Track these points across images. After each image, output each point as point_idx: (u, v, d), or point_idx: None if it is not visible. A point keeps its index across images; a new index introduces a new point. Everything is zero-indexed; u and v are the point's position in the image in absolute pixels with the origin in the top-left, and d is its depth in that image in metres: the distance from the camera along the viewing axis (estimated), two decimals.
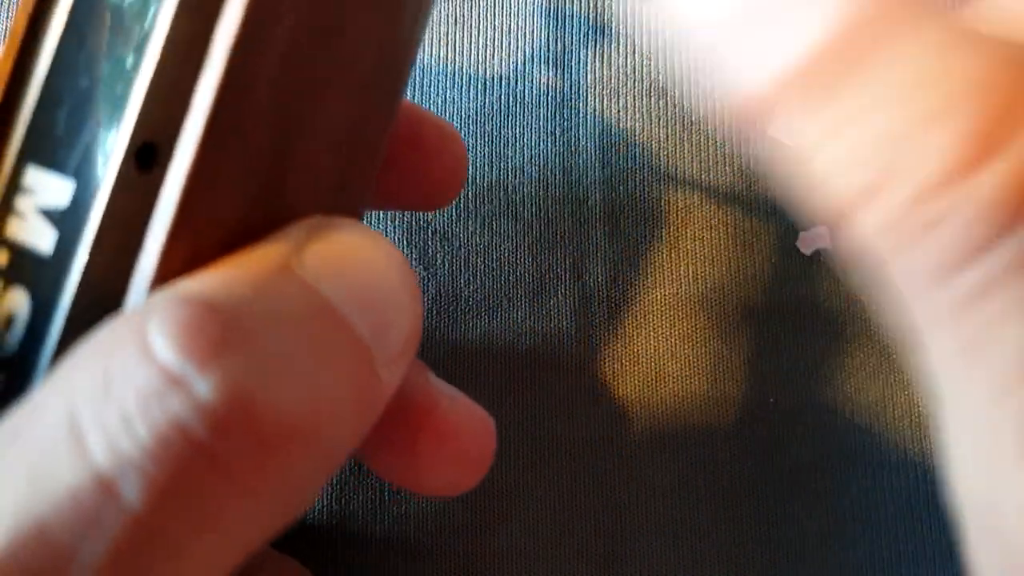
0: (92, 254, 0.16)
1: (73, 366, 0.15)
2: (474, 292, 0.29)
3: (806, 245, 0.29)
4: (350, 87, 0.18)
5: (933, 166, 0.13)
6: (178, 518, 0.14)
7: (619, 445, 0.29)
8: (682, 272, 0.29)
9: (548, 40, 0.30)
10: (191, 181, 0.15)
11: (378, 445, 0.21)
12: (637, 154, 0.30)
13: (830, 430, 0.29)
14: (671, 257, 0.29)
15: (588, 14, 0.30)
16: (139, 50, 0.16)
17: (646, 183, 0.30)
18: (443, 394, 0.21)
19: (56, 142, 0.16)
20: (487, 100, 0.30)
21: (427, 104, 0.30)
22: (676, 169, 0.30)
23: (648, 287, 0.29)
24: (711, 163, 0.29)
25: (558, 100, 0.30)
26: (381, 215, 0.30)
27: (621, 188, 0.30)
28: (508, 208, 0.30)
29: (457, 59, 0.30)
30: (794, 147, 0.14)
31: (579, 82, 0.30)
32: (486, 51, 0.30)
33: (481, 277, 0.29)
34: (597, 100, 0.30)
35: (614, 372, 0.29)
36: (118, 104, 0.16)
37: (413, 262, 0.29)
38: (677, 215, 0.30)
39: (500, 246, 0.29)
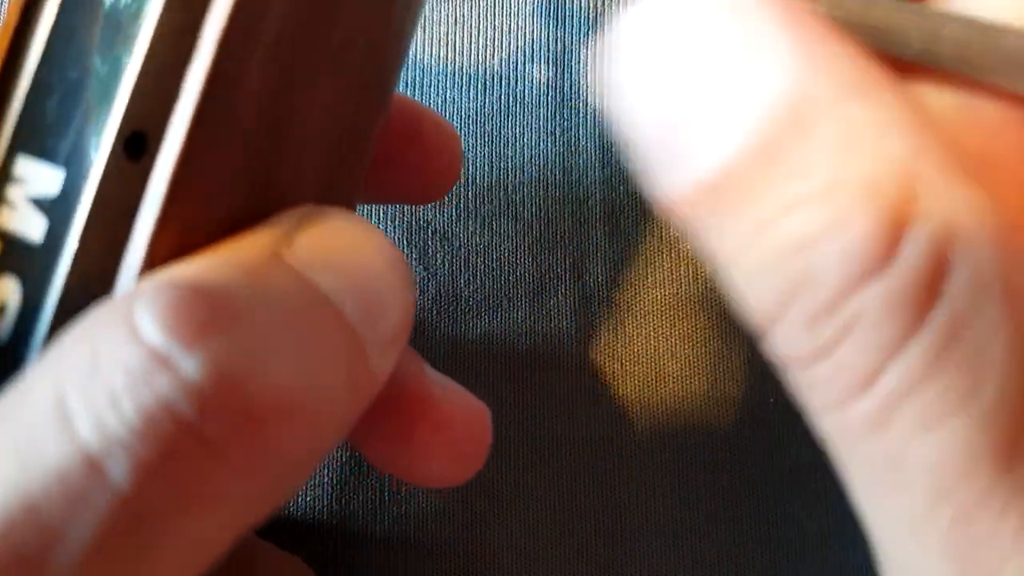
0: (82, 242, 0.16)
1: (61, 349, 0.15)
2: (474, 292, 0.29)
3: None
4: (341, 77, 0.18)
5: (838, 271, 0.13)
6: (165, 496, 0.14)
7: (619, 445, 0.29)
8: (682, 272, 0.29)
9: (548, 40, 0.30)
10: (180, 170, 0.16)
11: (373, 433, 0.21)
12: None
13: None
14: (671, 257, 0.29)
15: (588, 14, 0.30)
16: (129, 41, 0.16)
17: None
18: (437, 384, 0.21)
19: (46, 132, 0.16)
20: (487, 100, 0.30)
21: (427, 104, 0.30)
22: None
23: (648, 287, 0.29)
24: None
25: (558, 100, 0.30)
26: (381, 215, 0.30)
27: (621, 188, 0.30)
28: (508, 208, 0.30)
29: (457, 59, 0.30)
30: (719, 252, 0.14)
31: (579, 82, 0.30)
32: (486, 51, 0.30)
33: (481, 277, 0.29)
34: (597, 100, 0.30)
35: (614, 372, 0.29)
36: (107, 94, 0.16)
37: (413, 262, 0.29)
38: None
39: (500, 246, 0.29)
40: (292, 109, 0.17)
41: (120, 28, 0.16)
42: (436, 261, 0.29)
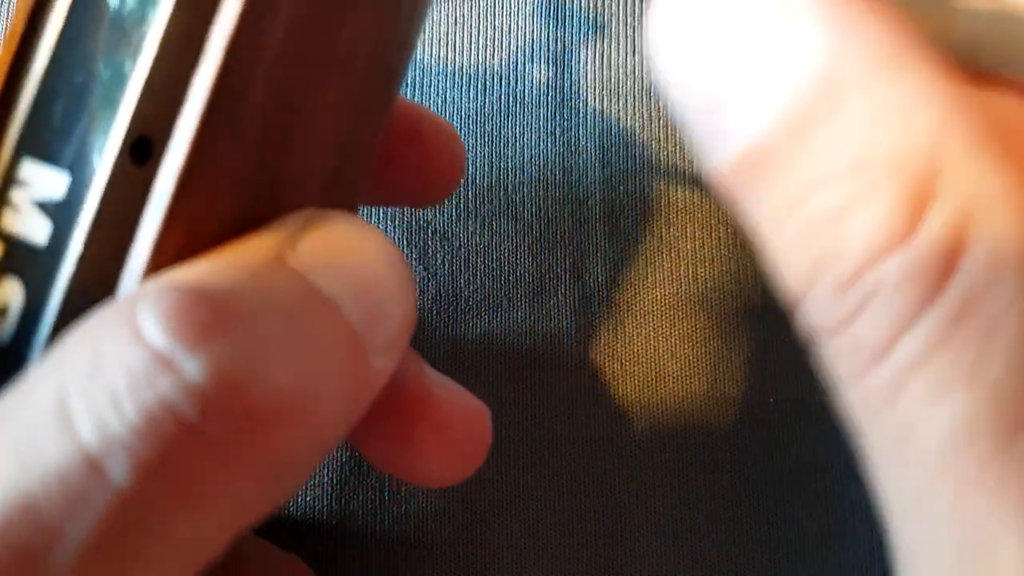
0: (86, 246, 0.16)
1: (63, 350, 0.15)
2: (474, 292, 0.29)
3: None
4: (347, 83, 0.18)
5: (863, 245, 0.13)
6: (165, 496, 0.14)
7: (619, 445, 0.29)
8: (682, 272, 0.29)
9: (548, 40, 0.30)
10: (185, 175, 0.16)
11: (373, 433, 0.21)
12: (637, 154, 0.30)
13: (830, 430, 0.29)
14: (671, 257, 0.29)
15: (588, 14, 0.30)
16: (133, 46, 0.16)
17: (646, 183, 0.30)
18: (437, 383, 0.21)
19: (52, 135, 0.16)
20: (487, 100, 0.30)
21: (427, 104, 0.30)
22: (676, 169, 0.30)
23: (648, 287, 0.29)
24: None
25: (558, 100, 0.30)
26: (381, 215, 0.30)
27: (621, 188, 0.30)
28: (508, 208, 0.30)
29: (457, 59, 0.30)
30: (759, 225, 0.14)
31: (579, 82, 0.30)
32: (486, 51, 0.30)
33: (481, 277, 0.29)
34: (597, 100, 0.30)
35: (614, 372, 0.29)
36: (111, 99, 0.16)
37: (413, 262, 0.30)
38: (677, 215, 0.30)
39: (500, 246, 0.29)
40: (297, 113, 0.17)
41: (124, 33, 0.16)
42: (436, 261, 0.29)
